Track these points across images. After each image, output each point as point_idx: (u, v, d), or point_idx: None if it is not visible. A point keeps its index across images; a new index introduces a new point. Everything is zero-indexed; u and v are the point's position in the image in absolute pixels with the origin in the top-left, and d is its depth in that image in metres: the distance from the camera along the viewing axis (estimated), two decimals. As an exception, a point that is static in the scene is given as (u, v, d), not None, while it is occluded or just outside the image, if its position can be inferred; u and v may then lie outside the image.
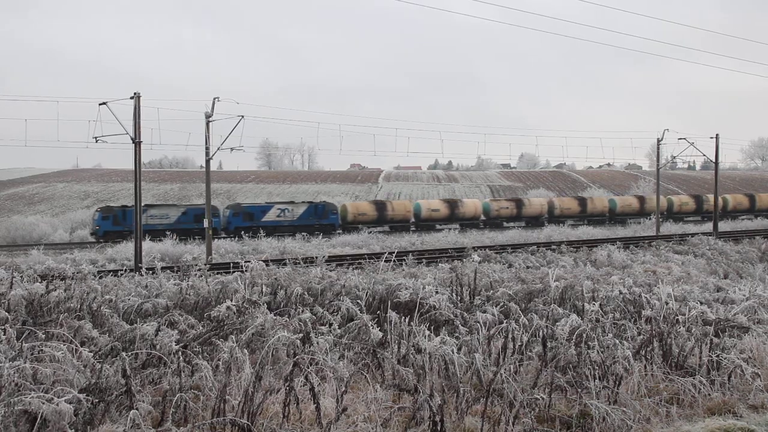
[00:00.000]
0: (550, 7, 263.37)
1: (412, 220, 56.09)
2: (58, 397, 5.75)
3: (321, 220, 50.53)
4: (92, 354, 7.51)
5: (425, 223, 55.85)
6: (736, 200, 70.06)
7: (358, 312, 10.65)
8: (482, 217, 59.44)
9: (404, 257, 27.34)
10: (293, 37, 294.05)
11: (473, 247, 33.19)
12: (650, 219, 59.14)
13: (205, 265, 18.86)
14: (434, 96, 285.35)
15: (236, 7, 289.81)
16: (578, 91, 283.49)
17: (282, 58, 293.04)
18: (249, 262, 15.79)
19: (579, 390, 7.17)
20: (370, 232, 49.88)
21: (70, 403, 5.75)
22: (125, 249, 35.18)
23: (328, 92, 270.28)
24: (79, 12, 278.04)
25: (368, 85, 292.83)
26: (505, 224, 59.90)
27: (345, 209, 53.42)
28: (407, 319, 9.13)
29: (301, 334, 8.37)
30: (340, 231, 50.85)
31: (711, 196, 66.98)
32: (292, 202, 52.98)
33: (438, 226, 56.16)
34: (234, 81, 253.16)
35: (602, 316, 10.07)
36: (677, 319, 9.94)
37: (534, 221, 60.40)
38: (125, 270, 20.96)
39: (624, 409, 6.81)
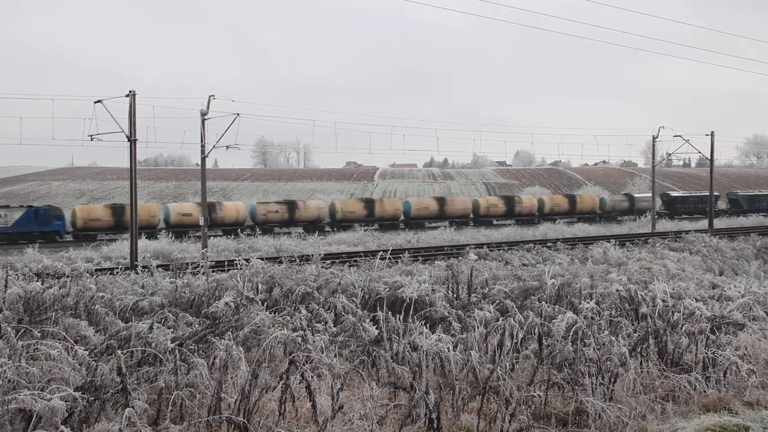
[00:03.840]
0: (545, 5, 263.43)
1: (162, 226, 48.32)
2: (52, 395, 5.74)
3: (42, 226, 43.97)
4: (88, 352, 7.50)
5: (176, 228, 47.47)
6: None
7: (354, 309, 10.66)
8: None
9: (400, 255, 27.35)
10: (290, 37, 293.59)
11: (469, 245, 33.23)
12: (645, 216, 59.51)
13: (207, 261, 18.84)
14: (427, 95, 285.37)
15: (234, 8, 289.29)
16: (577, 91, 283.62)
17: (278, 58, 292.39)
18: (247, 259, 15.79)
19: (575, 387, 7.18)
20: (366, 230, 49.62)
21: (65, 401, 5.73)
22: (121, 247, 35.36)
23: (323, 91, 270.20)
24: (76, 13, 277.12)
25: (362, 84, 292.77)
26: (496, 222, 60.20)
27: (75, 214, 46.58)
28: (403, 317, 9.12)
29: (297, 332, 8.37)
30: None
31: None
32: (7, 207, 47.02)
33: (428, 224, 55.96)
34: (232, 81, 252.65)
35: (598, 314, 10.09)
36: (673, 317, 9.96)
37: (526, 220, 61.12)
38: (121, 268, 20.95)
39: (620, 406, 6.82)
